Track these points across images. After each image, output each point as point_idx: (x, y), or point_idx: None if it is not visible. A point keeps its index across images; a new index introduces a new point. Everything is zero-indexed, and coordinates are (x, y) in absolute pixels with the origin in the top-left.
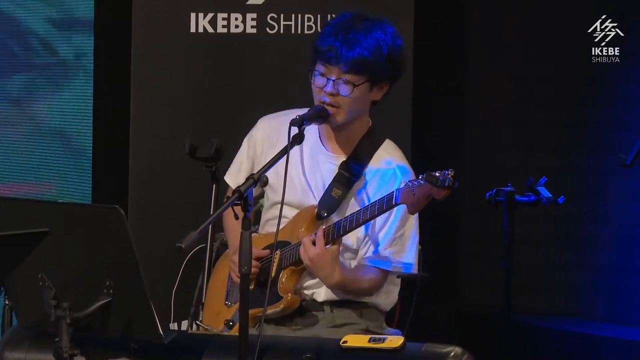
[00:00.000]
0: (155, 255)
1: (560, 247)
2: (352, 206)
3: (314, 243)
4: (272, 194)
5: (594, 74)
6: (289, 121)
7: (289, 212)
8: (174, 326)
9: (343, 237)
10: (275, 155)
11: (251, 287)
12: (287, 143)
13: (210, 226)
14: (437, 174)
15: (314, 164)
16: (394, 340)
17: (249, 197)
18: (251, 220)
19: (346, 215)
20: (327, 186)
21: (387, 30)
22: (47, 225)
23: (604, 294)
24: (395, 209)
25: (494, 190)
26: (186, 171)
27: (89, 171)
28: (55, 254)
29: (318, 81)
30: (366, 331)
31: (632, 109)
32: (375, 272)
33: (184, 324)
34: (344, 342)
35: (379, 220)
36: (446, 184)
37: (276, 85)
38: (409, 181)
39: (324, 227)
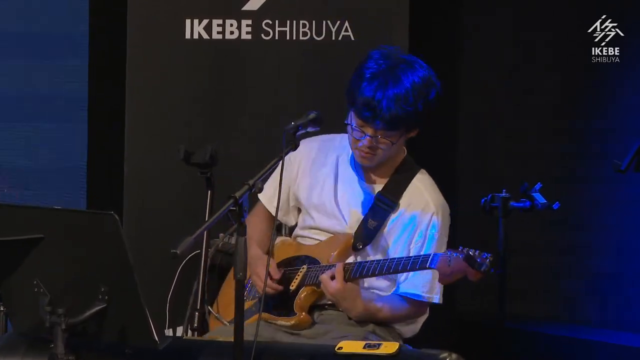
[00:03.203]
0: (150, 261)
1: (555, 253)
2: (385, 238)
3: (332, 278)
4: (308, 218)
5: (594, 74)
6: (327, 144)
7: (320, 236)
8: (169, 332)
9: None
10: (271, 163)
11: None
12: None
13: (205, 232)
14: (476, 256)
15: (348, 190)
16: (389, 347)
17: (244, 204)
18: (245, 227)
19: (377, 248)
20: (360, 215)
21: (422, 76)
22: (42, 231)
23: (599, 299)
24: (427, 239)
25: (489, 196)
26: (181, 176)
27: (84, 176)
28: (51, 260)
29: (355, 134)
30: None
31: (632, 111)
32: (405, 301)
33: (179, 330)
34: (339, 348)
35: (412, 249)
36: (482, 269)
37: (271, 91)
38: (448, 250)
39: (345, 262)
